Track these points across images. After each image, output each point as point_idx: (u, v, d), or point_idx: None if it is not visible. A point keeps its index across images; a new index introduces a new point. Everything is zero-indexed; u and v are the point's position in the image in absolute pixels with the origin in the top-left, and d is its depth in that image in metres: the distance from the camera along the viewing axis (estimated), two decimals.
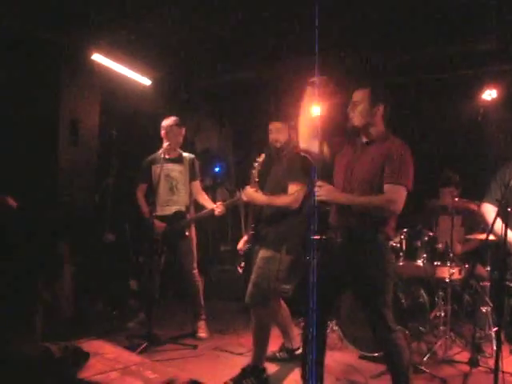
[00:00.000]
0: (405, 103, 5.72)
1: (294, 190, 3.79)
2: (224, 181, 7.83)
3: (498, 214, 2.81)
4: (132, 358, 4.14)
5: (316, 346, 3.34)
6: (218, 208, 4.74)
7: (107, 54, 5.10)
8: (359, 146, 3.28)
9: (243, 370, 3.82)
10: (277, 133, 4.01)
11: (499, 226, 2.85)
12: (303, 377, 3.41)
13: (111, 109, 5.85)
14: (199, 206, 5.15)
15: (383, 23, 4.85)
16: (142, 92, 6.04)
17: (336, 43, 5.00)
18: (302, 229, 3.86)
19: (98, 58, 5.04)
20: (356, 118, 3.22)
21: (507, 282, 2.89)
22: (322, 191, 3.04)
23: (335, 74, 3.35)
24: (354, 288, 3.34)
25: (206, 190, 6.22)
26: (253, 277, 3.83)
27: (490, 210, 3.26)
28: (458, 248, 5.07)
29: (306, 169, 3.80)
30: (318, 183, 3.04)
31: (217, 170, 7.74)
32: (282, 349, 4.33)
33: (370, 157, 3.16)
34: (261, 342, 3.81)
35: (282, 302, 4.22)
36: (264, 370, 3.84)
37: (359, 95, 3.24)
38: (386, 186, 3.05)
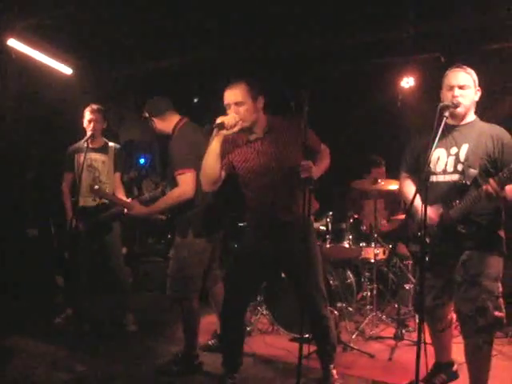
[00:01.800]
0: (328, 91, 5.86)
1: (182, 178, 3.56)
2: (149, 173, 7.72)
3: (417, 191, 2.93)
4: (60, 352, 4.06)
5: (234, 336, 3.44)
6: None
7: (25, 40, 4.88)
8: (256, 141, 3.23)
9: (174, 356, 3.82)
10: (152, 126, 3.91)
11: (418, 201, 2.98)
12: (224, 364, 3.45)
13: (33, 98, 5.61)
14: None
15: (300, 11, 4.90)
16: (64, 81, 5.85)
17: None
18: (210, 211, 3.75)
19: (13, 43, 4.81)
20: (246, 119, 3.12)
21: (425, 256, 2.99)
22: (310, 169, 2.98)
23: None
24: (287, 272, 3.39)
25: (131, 182, 6.12)
26: (169, 267, 3.76)
27: (407, 182, 3.39)
28: (385, 225, 5.24)
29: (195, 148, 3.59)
30: (305, 162, 2.97)
31: (142, 161, 7.62)
32: (214, 336, 4.30)
33: (281, 143, 3.18)
34: (190, 331, 3.78)
35: (221, 288, 4.08)
36: (196, 356, 3.82)
37: (237, 94, 3.11)
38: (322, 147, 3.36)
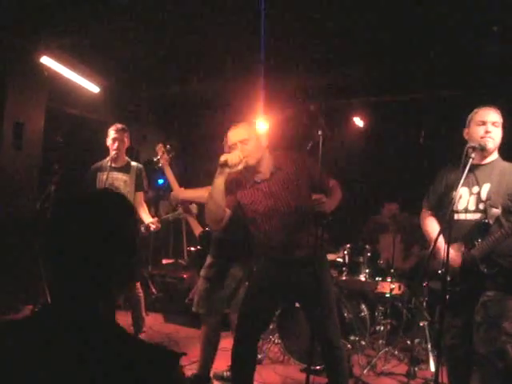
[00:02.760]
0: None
1: None
2: (167, 193, 7.74)
3: (441, 230, 2.93)
4: None
5: (245, 364, 3.37)
6: (153, 224, 4.63)
7: (57, 58, 4.99)
8: (263, 182, 3.20)
9: (188, 378, 3.80)
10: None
11: (440, 238, 2.98)
12: None
13: (58, 114, 5.72)
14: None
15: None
16: (90, 99, 5.95)
17: None
18: (243, 240, 3.78)
19: (46, 61, 4.93)
20: (251, 159, 3.08)
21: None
22: (323, 204, 3.01)
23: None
24: (301, 304, 3.36)
25: (148, 201, 6.14)
26: (198, 285, 3.90)
27: (429, 220, 3.39)
28: (402, 264, 5.21)
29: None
30: (317, 196, 3.01)
31: (160, 182, 7.65)
32: (230, 368, 4.25)
33: (288, 183, 3.17)
34: (207, 351, 3.82)
35: None
36: (209, 379, 3.82)
37: (244, 132, 3.12)
38: (331, 182, 3.26)
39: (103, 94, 5.98)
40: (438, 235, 2.91)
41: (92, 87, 5.73)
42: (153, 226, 4.63)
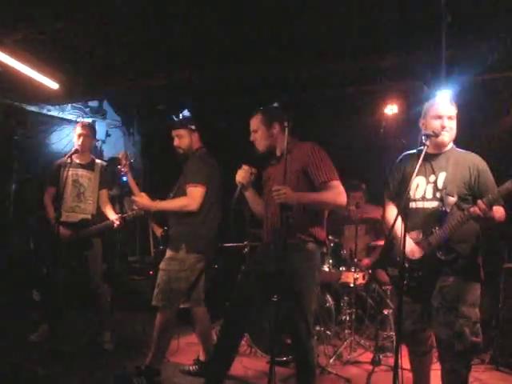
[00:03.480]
0: (313, 116, 5.96)
1: (190, 190, 3.84)
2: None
3: (397, 216, 2.98)
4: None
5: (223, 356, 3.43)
6: (116, 220, 4.63)
7: (12, 54, 4.88)
8: (270, 166, 3.53)
9: (137, 368, 3.81)
10: (178, 139, 4.08)
11: (398, 226, 3.03)
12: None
13: (17, 111, 5.60)
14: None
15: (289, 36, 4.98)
16: (51, 95, 5.84)
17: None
18: (204, 229, 3.95)
19: (2, 57, 4.81)
20: (258, 144, 3.47)
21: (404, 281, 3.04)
22: (283, 195, 3.03)
23: None
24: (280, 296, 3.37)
25: (113, 199, 6.08)
26: (157, 278, 3.90)
27: (389, 209, 3.44)
28: (366, 261, 5.23)
29: (210, 171, 3.96)
30: (275, 187, 3.08)
31: (124, 179, 7.55)
32: (196, 362, 4.25)
33: (283, 170, 3.17)
34: (160, 343, 3.82)
35: (204, 310, 4.17)
36: (158, 371, 3.83)
37: (254, 123, 3.48)
38: (324, 185, 3.21)
39: (63, 90, 5.86)
40: (394, 222, 2.97)
41: (50, 83, 5.61)
42: (116, 223, 4.62)
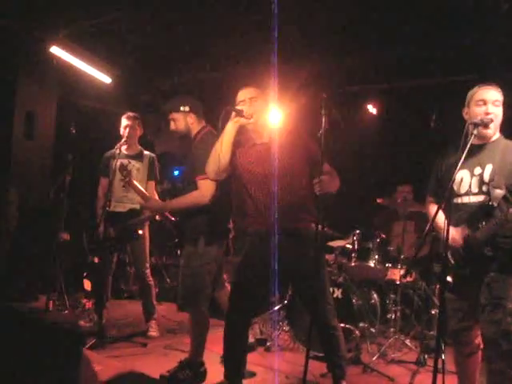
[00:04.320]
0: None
1: (200, 184, 3.54)
2: (184, 185, 7.75)
3: (439, 208, 2.87)
4: None
5: (237, 344, 3.40)
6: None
7: (66, 48, 5.03)
8: (263, 145, 3.28)
9: (180, 362, 3.81)
10: (174, 123, 3.86)
11: (441, 220, 2.93)
12: (226, 376, 3.40)
13: (70, 104, 5.77)
14: None
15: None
16: (103, 90, 5.98)
17: None
18: (221, 219, 3.76)
19: (56, 50, 4.96)
20: (258, 116, 3.20)
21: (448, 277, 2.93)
22: (325, 185, 2.99)
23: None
24: (291, 282, 3.33)
25: (164, 193, 6.18)
26: (179, 277, 3.74)
27: (431, 206, 3.33)
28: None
29: None
30: (320, 179, 2.99)
31: (176, 173, 7.67)
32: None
33: (287, 150, 3.20)
34: (197, 339, 3.77)
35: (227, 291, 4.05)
36: (202, 363, 3.81)
37: (253, 91, 3.27)
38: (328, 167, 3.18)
39: (115, 84, 6.00)
40: (435, 216, 2.85)
41: (103, 77, 5.76)
42: (158, 216, 4.66)
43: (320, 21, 5.06)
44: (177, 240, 4.12)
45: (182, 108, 3.77)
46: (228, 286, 4.12)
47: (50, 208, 5.62)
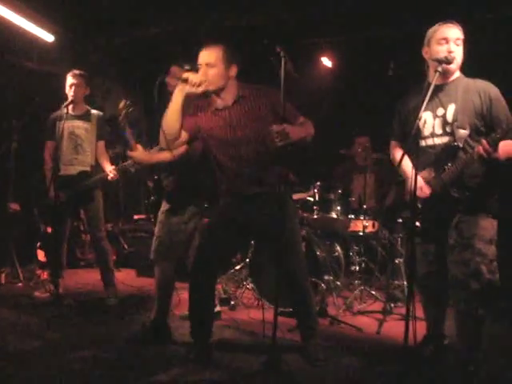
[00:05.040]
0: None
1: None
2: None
3: (404, 152, 2.80)
4: (34, 321, 3.94)
5: (203, 304, 3.29)
6: (111, 172, 4.51)
7: (1, 2, 4.66)
8: (224, 110, 3.12)
9: (143, 324, 3.71)
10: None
11: (408, 166, 2.87)
12: (192, 334, 3.32)
13: (9, 65, 5.39)
14: None
15: None
16: (45, 49, 5.62)
17: None
18: (203, 182, 3.72)
19: None
20: (213, 83, 3.00)
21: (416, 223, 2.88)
22: (287, 134, 2.86)
23: None
24: (263, 245, 3.25)
25: (117, 157, 5.94)
26: (155, 231, 3.72)
27: (396, 150, 3.26)
28: (375, 204, 5.07)
29: None
30: (278, 127, 2.85)
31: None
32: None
33: (250, 112, 3.06)
34: (162, 297, 3.69)
35: None
36: (166, 324, 3.72)
37: (211, 57, 3.00)
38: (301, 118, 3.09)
39: (59, 43, 5.65)
40: (400, 161, 2.79)
41: (45, 35, 5.39)
42: (111, 175, 4.49)
43: None
44: (152, 198, 3.99)
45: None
46: None
47: None
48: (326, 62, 6.23)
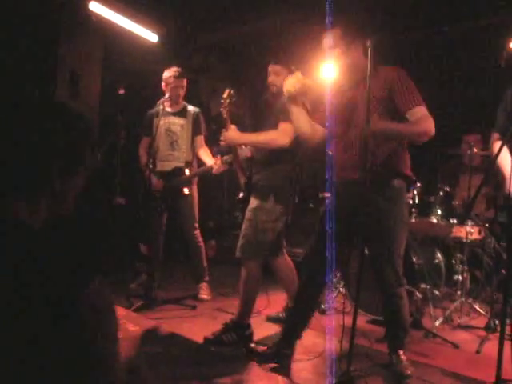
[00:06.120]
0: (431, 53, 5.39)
1: (282, 126, 3.48)
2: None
3: (503, 144, 2.44)
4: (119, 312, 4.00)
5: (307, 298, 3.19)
6: (215, 165, 4.47)
7: (106, 3, 4.83)
8: (346, 89, 3.04)
9: (225, 324, 3.62)
10: (275, 76, 3.72)
11: (507, 160, 2.51)
12: (284, 335, 3.23)
13: (117, 64, 5.61)
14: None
15: None
16: (150, 50, 5.77)
17: None
18: (293, 177, 3.66)
19: (95, 6, 4.78)
20: (342, 66, 2.97)
21: None
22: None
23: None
24: (367, 235, 3.01)
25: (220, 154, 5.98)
26: (242, 229, 3.63)
27: (497, 144, 2.89)
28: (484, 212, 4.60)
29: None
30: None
31: None
32: (286, 309, 4.09)
33: (364, 94, 2.82)
34: (247, 297, 3.60)
35: (289, 260, 3.99)
36: (248, 326, 3.63)
37: (332, 38, 2.93)
38: (411, 112, 2.81)
39: (164, 43, 5.77)
40: (497, 155, 2.44)
41: (150, 36, 5.54)
42: (215, 167, 4.46)
43: None
44: (242, 195, 3.98)
45: (289, 66, 3.56)
46: (287, 257, 3.99)
47: (99, 171, 5.52)
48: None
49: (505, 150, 2.76)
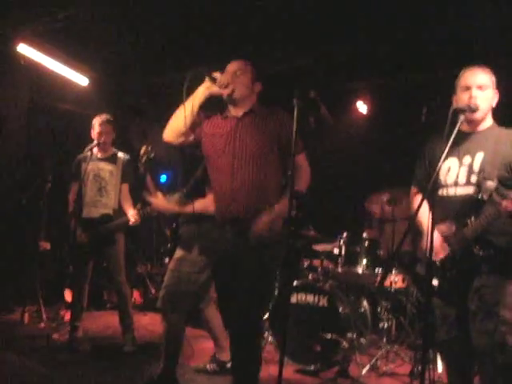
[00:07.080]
0: None
1: (210, 197, 3.29)
2: (170, 190, 7.46)
3: (422, 201, 2.56)
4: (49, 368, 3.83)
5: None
6: (132, 216, 4.44)
7: (36, 46, 4.75)
8: (233, 119, 2.99)
9: (150, 377, 3.52)
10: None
11: (425, 218, 2.64)
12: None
13: (45, 108, 5.49)
14: None
15: None
16: (81, 92, 5.71)
17: None
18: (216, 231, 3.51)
19: (24, 49, 4.69)
20: (238, 90, 2.91)
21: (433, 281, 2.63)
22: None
23: None
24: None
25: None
26: (165, 279, 3.57)
27: (416, 198, 3.02)
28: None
29: None
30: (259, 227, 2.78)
31: (163, 179, 7.33)
32: (213, 360, 4.01)
33: (256, 129, 2.91)
34: (171, 350, 3.51)
35: (215, 309, 3.96)
36: (174, 378, 3.52)
37: (241, 65, 2.98)
38: (299, 157, 2.89)
39: (94, 86, 5.73)
40: (417, 211, 2.55)
41: (80, 79, 5.49)
42: (132, 220, 4.43)
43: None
44: (169, 245, 3.92)
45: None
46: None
47: (23, 216, 5.35)
48: (361, 106, 5.98)
49: (424, 205, 2.88)
